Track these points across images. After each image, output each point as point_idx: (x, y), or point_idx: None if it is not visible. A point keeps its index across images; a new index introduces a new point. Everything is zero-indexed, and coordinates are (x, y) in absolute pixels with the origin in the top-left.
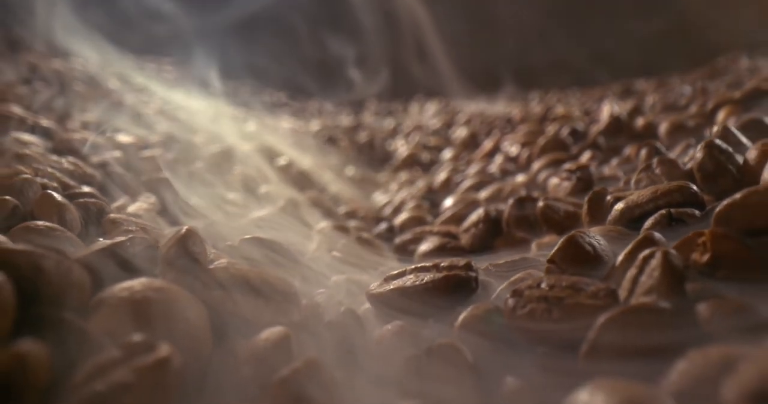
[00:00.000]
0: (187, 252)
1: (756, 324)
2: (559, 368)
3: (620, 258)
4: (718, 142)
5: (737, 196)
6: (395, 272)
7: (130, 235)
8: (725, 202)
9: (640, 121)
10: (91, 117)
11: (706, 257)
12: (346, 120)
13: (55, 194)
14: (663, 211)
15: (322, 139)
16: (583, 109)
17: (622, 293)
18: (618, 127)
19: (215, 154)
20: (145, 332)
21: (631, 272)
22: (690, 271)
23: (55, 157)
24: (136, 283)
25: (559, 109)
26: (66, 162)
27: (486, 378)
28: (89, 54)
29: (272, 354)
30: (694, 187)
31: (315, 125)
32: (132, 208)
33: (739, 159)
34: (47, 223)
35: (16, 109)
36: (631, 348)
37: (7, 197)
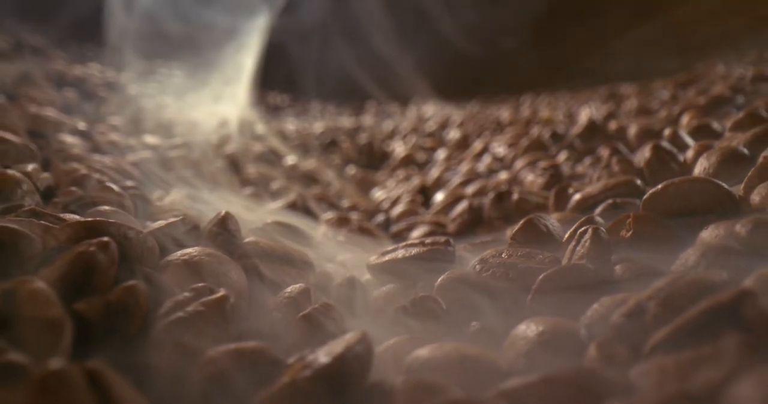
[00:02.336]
0: (226, 229)
1: (653, 277)
2: (510, 313)
3: (566, 235)
4: (663, 143)
5: (659, 186)
6: (390, 248)
7: (180, 217)
8: (650, 192)
9: (613, 125)
10: (118, 121)
11: (629, 233)
12: (347, 122)
13: (114, 185)
14: (609, 201)
15: (324, 140)
16: (567, 112)
17: (564, 260)
18: (593, 130)
19: (231, 155)
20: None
21: (571, 244)
22: (618, 244)
23: (97, 156)
24: (193, 250)
25: (545, 113)
26: (107, 160)
27: (456, 321)
28: (106, 60)
29: (294, 302)
30: (638, 181)
31: (318, 127)
32: (168, 199)
33: (681, 157)
34: (112, 208)
35: (53, 113)
36: (563, 294)
37: (73, 188)
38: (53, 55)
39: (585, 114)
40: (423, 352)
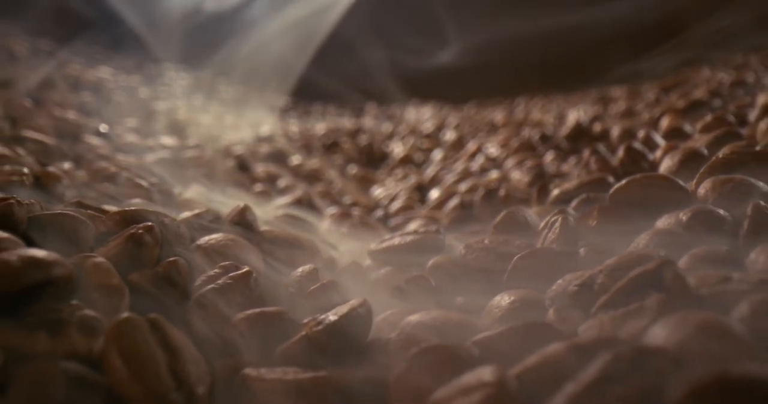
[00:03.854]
0: (245, 219)
1: (610, 257)
2: (489, 289)
3: (541, 224)
4: (635, 144)
5: (623, 182)
6: (388, 236)
7: (204, 209)
8: (615, 187)
9: (598, 127)
10: (133, 123)
11: (595, 222)
12: (348, 123)
13: (142, 181)
14: (583, 195)
15: (327, 141)
16: (559, 114)
17: (537, 245)
18: (579, 132)
19: (240, 156)
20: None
21: (545, 232)
22: (586, 231)
23: (121, 156)
24: (217, 236)
25: (536, 115)
26: (131, 160)
27: (445, 297)
28: (116, 63)
29: (305, 279)
30: (610, 178)
31: (320, 128)
32: (187, 195)
33: (652, 157)
34: (143, 201)
35: (75, 116)
36: (534, 274)
37: (106, 183)
38: (68, 60)
39: (573, 117)
40: (414, 317)
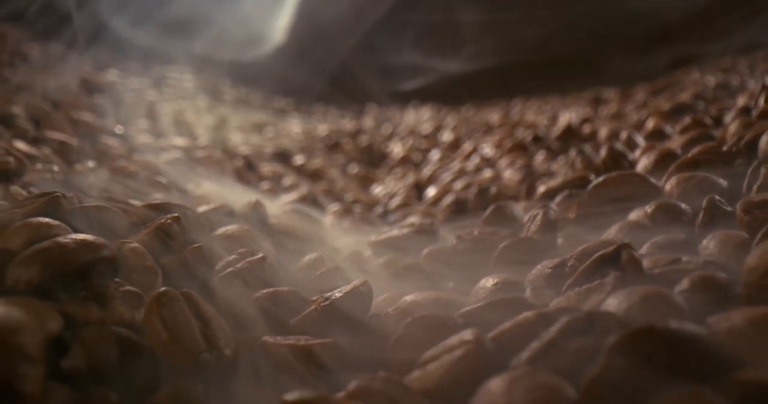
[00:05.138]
0: (257, 212)
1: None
2: (477, 275)
3: (526, 218)
4: (617, 145)
5: (600, 179)
6: (386, 229)
7: (219, 204)
8: (593, 183)
9: (587, 128)
10: (144, 124)
11: (574, 215)
12: (349, 124)
13: (160, 179)
14: (566, 192)
15: (329, 142)
16: (552, 115)
17: (522, 236)
18: (569, 133)
19: (247, 156)
20: None
21: (528, 224)
22: (566, 223)
23: (137, 156)
24: (233, 227)
25: (531, 117)
26: (147, 159)
27: (437, 282)
28: (122, 65)
29: (312, 266)
30: (592, 176)
31: (322, 130)
32: (200, 192)
33: (632, 157)
34: (163, 196)
35: (92, 118)
36: (517, 260)
37: (128, 180)
38: (79, 62)
39: (564, 118)
40: (409, 297)
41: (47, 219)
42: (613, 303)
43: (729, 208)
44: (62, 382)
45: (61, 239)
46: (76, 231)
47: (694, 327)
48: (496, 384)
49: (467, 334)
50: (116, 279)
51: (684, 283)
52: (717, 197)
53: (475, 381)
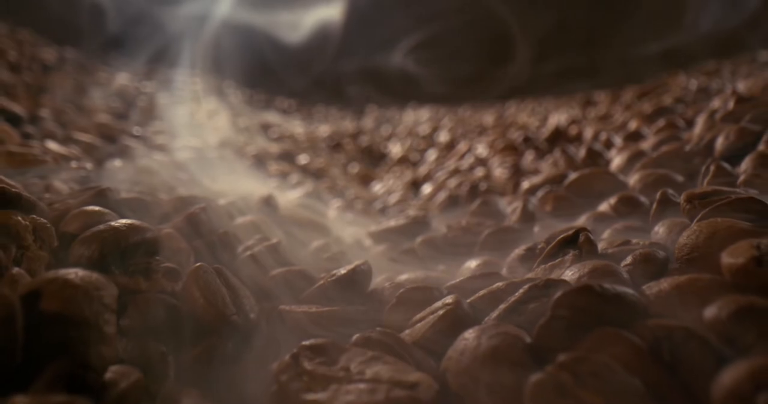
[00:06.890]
0: (270, 204)
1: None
2: (465, 259)
3: (509, 210)
4: (595, 146)
5: (574, 176)
6: (384, 221)
7: (236, 197)
8: (568, 180)
9: (574, 129)
10: (159, 125)
11: (549, 207)
12: (349, 125)
13: (182, 175)
14: (547, 187)
15: (331, 143)
16: (544, 117)
17: (504, 225)
18: (557, 134)
19: (255, 155)
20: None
21: (510, 215)
22: (543, 214)
23: (157, 155)
24: (250, 217)
25: (523, 118)
26: (167, 158)
27: (429, 265)
28: (132, 69)
29: (320, 250)
30: (571, 173)
31: (324, 131)
32: (218, 187)
33: (608, 156)
34: (184, 189)
35: (110, 120)
36: (498, 246)
37: (154, 177)
38: (94, 68)
39: (553, 120)
40: (403, 276)
41: (99, 207)
42: (568, 274)
43: (679, 200)
44: (121, 336)
45: (113, 223)
46: (122, 217)
47: (620, 287)
48: (469, 333)
49: (448, 298)
50: (157, 258)
51: (628, 259)
52: (670, 191)
53: (454, 333)
